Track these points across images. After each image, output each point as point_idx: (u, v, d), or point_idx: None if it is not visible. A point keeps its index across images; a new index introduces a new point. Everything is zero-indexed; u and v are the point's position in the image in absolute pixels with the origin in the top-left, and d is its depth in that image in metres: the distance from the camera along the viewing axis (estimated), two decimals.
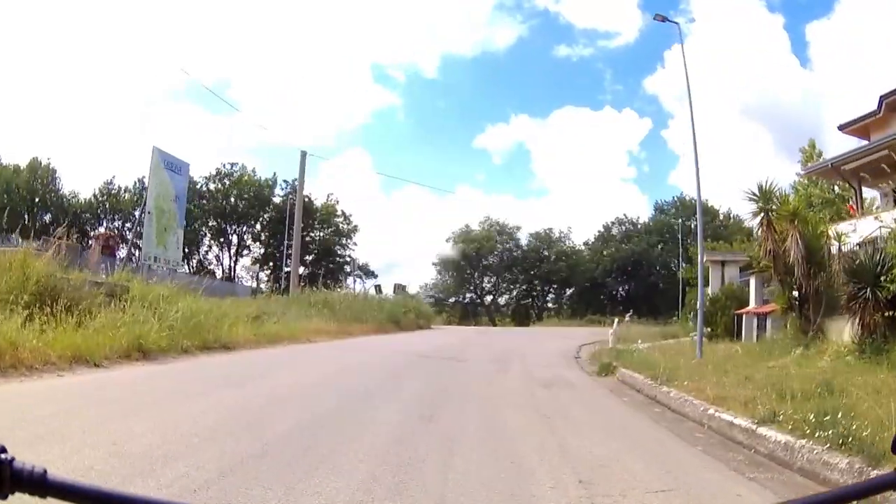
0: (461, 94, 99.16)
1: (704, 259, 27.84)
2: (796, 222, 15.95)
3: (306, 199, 63.84)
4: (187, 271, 58.74)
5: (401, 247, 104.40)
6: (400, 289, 43.89)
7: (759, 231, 16.90)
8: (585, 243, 79.16)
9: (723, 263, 27.22)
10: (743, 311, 21.91)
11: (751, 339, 19.39)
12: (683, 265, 58.04)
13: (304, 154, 39.67)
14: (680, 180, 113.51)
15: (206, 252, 65.72)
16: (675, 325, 45.11)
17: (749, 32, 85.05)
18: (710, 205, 74.13)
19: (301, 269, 60.67)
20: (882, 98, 25.19)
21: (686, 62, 16.47)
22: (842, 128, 28.15)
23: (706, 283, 34.13)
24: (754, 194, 16.92)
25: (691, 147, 16.44)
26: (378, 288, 46.95)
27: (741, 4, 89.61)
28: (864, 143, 25.56)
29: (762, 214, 16.54)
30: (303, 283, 38.31)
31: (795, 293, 16.72)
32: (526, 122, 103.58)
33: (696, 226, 64.51)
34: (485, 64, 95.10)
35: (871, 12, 78.93)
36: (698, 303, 16.47)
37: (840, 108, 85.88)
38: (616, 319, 32.06)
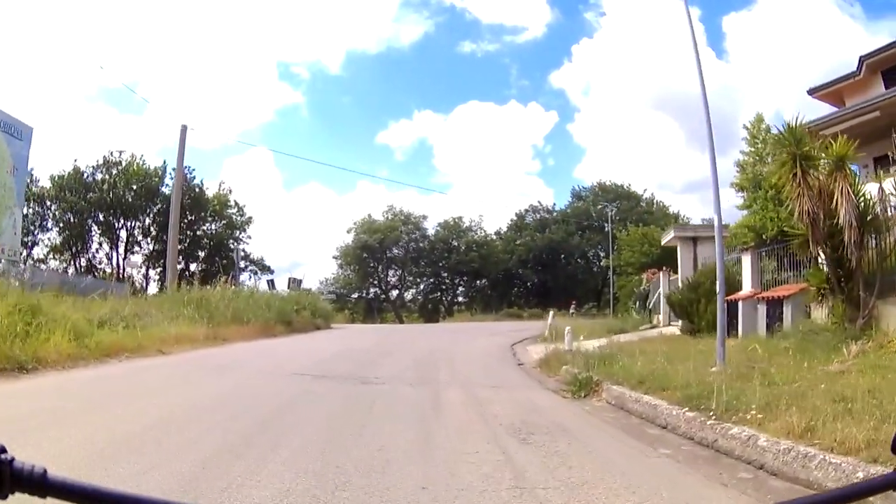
0: (365, 91, 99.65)
1: (673, 236, 23.37)
2: (846, 171, 11.23)
3: (197, 190, 57.89)
4: (73, 272, 52.97)
5: (304, 245, 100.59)
6: (295, 283, 37.74)
7: (791, 186, 11.98)
8: (497, 233, 74.41)
9: (694, 241, 22.35)
10: (737, 296, 17.23)
11: (754, 332, 14.73)
12: (611, 252, 54.31)
13: (184, 128, 33.48)
14: (585, 173, 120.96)
15: (97, 250, 58.00)
16: (604, 316, 41.49)
17: (663, 25, 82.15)
18: (631, 189, 71.54)
19: (193, 266, 54.68)
20: (862, 59, 22.69)
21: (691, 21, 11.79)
22: (812, 92, 25.75)
23: (667, 268, 29.95)
24: (781, 135, 12.19)
25: (701, 98, 11.77)
26: (271, 283, 41.26)
27: None
28: (835, 109, 22.59)
29: (793, 162, 11.71)
30: (191, 280, 31.93)
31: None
32: (429, 118, 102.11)
33: (615, 212, 62.00)
34: (389, 60, 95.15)
35: (793, 4, 79.61)
36: (717, 285, 11.61)
37: (757, 100, 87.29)
38: (552, 312, 27.42)
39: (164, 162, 57.27)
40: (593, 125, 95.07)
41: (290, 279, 38.76)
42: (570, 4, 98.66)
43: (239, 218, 60.75)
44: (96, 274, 54.12)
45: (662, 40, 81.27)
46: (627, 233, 55.40)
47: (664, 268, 28.87)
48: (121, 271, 55.62)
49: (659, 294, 27.79)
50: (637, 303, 32.50)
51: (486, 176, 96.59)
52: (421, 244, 72.30)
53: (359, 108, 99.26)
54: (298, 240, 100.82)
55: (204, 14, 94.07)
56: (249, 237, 61.75)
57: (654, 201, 71.01)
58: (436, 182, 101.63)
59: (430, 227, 73.05)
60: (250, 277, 55.23)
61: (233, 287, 25.66)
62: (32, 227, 53.81)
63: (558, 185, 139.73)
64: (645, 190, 72.62)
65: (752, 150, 41.71)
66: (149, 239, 56.89)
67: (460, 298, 75.72)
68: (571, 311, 45.74)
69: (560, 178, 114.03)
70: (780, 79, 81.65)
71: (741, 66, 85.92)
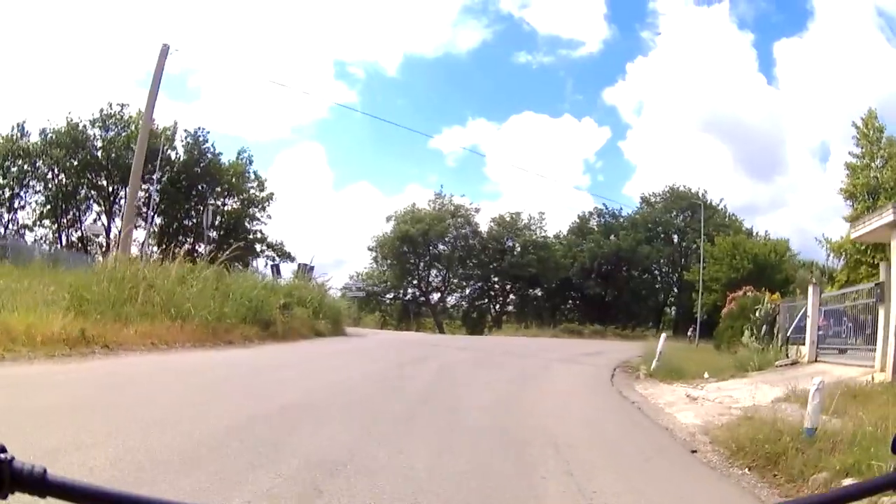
0: (420, 95, 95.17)
1: (892, 219, 13.54)
2: None
3: (209, 156, 50.23)
4: (61, 244, 45.63)
5: (349, 244, 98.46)
6: (305, 270, 28.87)
7: None
8: (556, 236, 64.43)
9: None
10: None
11: None
12: (701, 262, 44.79)
13: (165, 47, 24.85)
14: (635, 191, 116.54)
15: (96, 220, 49.25)
16: (677, 339, 34.44)
17: (716, 48, 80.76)
18: (708, 200, 61.75)
19: (202, 247, 46.57)
20: None
21: None
22: None
23: (868, 271, 20.88)
24: None
25: None
26: (275, 268, 32.75)
27: (710, 20, 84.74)
28: None
29: None
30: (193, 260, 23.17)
31: None
32: (483, 126, 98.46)
33: (688, 222, 52.19)
34: (446, 66, 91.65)
35: (845, 33, 74.74)
36: None
37: (805, 127, 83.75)
38: (664, 335, 18.83)
39: (175, 123, 48.78)
40: (644, 143, 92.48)
41: (299, 265, 30.00)
42: (627, 22, 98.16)
43: (258, 193, 52.00)
44: (88, 247, 46.47)
45: (713, 63, 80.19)
46: (712, 243, 45.99)
47: (813, 281, 21.20)
48: (116, 243, 47.48)
49: (802, 317, 19.48)
50: (763, 328, 23.26)
51: (536, 187, 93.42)
52: (471, 241, 62.05)
53: (413, 112, 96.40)
54: (344, 238, 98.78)
55: (262, 9, 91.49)
56: (269, 216, 53.02)
57: (728, 213, 61.03)
58: (486, 190, 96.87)
59: (483, 223, 63.15)
60: (266, 264, 46.53)
61: (185, 262, 16.70)
62: (18, 188, 45.97)
63: (607, 201, 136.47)
64: (721, 199, 62.44)
65: (864, 150, 33.28)
66: (150, 211, 47.90)
67: (510, 308, 65.84)
68: (689, 333, 38.31)
69: (609, 194, 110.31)
70: (828, 107, 77.49)
71: (791, 93, 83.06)
